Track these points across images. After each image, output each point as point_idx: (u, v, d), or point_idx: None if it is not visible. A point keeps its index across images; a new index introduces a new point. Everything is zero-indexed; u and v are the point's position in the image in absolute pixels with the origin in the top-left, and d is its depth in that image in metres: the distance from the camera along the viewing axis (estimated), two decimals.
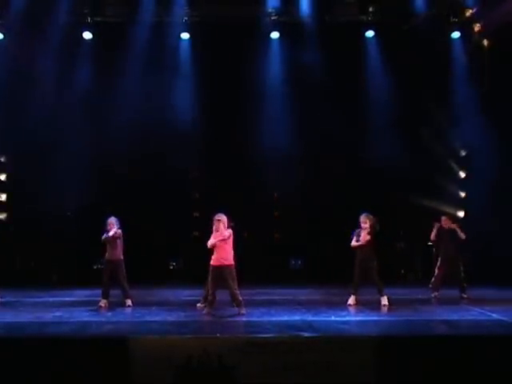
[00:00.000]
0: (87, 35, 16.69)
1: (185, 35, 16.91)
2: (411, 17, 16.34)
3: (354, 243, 11.92)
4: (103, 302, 11.61)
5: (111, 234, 11.72)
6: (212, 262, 10.67)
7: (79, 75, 16.64)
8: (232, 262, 10.64)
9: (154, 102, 16.60)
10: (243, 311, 10.53)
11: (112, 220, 11.88)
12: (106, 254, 11.86)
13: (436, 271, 13.09)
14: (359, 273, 11.90)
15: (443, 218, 13.14)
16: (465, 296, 12.72)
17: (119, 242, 11.86)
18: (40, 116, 15.87)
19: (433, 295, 12.88)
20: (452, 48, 17.04)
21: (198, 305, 11.47)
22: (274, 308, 11.33)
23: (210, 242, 10.64)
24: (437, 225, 13.03)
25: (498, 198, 16.07)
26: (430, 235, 13.17)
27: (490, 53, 16.73)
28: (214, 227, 10.72)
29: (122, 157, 16.35)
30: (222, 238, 10.57)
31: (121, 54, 16.20)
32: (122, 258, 11.86)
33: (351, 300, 11.89)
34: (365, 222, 11.88)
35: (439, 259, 13.15)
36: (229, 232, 10.67)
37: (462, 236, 12.75)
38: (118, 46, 16.23)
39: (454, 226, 12.95)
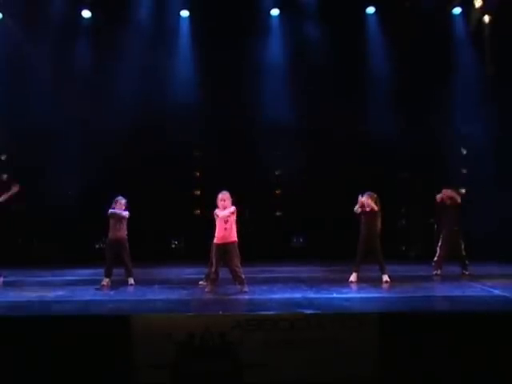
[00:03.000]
0: (86, 13, 16.63)
1: (184, 13, 16.83)
2: None
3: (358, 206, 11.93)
4: (106, 281, 11.61)
5: (125, 213, 11.77)
6: (215, 240, 10.61)
7: (78, 54, 16.60)
8: (235, 239, 10.56)
9: (155, 80, 16.52)
10: (245, 289, 10.52)
11: (122, 201, 11.88)
12: (110, 233, 11.80)
13: (438, 250, 13.04)
14: (363, 250, 11.92)
15: (444, 190, 13.07)
16: (466, 273, 12.75)
17: (124, 222, 11.85)
18: (39, 94, 15.83)
19: (434, 273, 12.87)
20: (453, 24, 16.98)
21: (201, 282, 11.49)
22: (275, 285, 11.37)
23: (222, 214, 10.55)
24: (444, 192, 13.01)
25: (499, 175, 16.06)
26: (434, 206, 13.14)
27: (491, 29, 16.66)
28: (219, 203, 10.70)
29: (122, 135, 16.27)
30: (232, 211, 10.56)
31: (120, 33, 16.13)
32: (126, 236, 11.86)
33: (353, 277, 11.90)
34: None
35: (441, 238, 13.13)
36: (234, 208, 10.65)
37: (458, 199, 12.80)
38: (117, 25, 16.16)
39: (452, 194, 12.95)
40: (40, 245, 17.17)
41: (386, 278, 11.74)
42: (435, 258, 13.02)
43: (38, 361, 7.81)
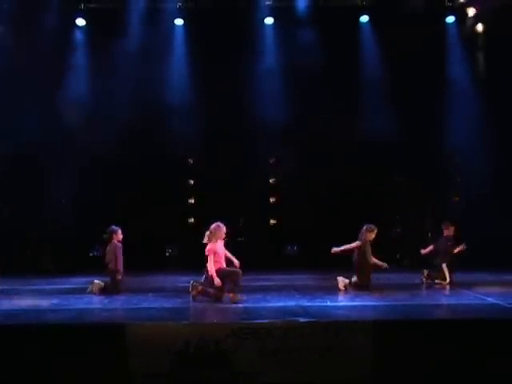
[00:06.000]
0: (80, 22, 16.64)
1: (179, 21, 16.87)
2: (406, 1, 16.31)
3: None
4: None
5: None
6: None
7: (72, 62, 16.60)
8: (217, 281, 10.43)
9: (148, 89, 16.50)
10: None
11: (119, 233, 11.92)
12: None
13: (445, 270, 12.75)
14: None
15: (443, 224, 13.10)
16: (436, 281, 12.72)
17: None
18: (33, 103, 15.81)
19: (422, 278, 12.85)
20: (447, 32, 17.08)
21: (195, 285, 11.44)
22: (269, 294, 11.39)
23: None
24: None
25: (492, 182, 16.12)
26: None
27: (485, 37, 16.76)
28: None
29: (117, 143, 16.23)
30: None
31: (114, 41, 16.11)
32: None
33: (341, 283, 11.93)
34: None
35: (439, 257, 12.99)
36: (211, 248, 10.57)
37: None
38: (111, 33, 16.14)
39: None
40: (34, 253, 17.10)
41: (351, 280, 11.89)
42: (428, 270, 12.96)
43: (33, 369, 7.81)
